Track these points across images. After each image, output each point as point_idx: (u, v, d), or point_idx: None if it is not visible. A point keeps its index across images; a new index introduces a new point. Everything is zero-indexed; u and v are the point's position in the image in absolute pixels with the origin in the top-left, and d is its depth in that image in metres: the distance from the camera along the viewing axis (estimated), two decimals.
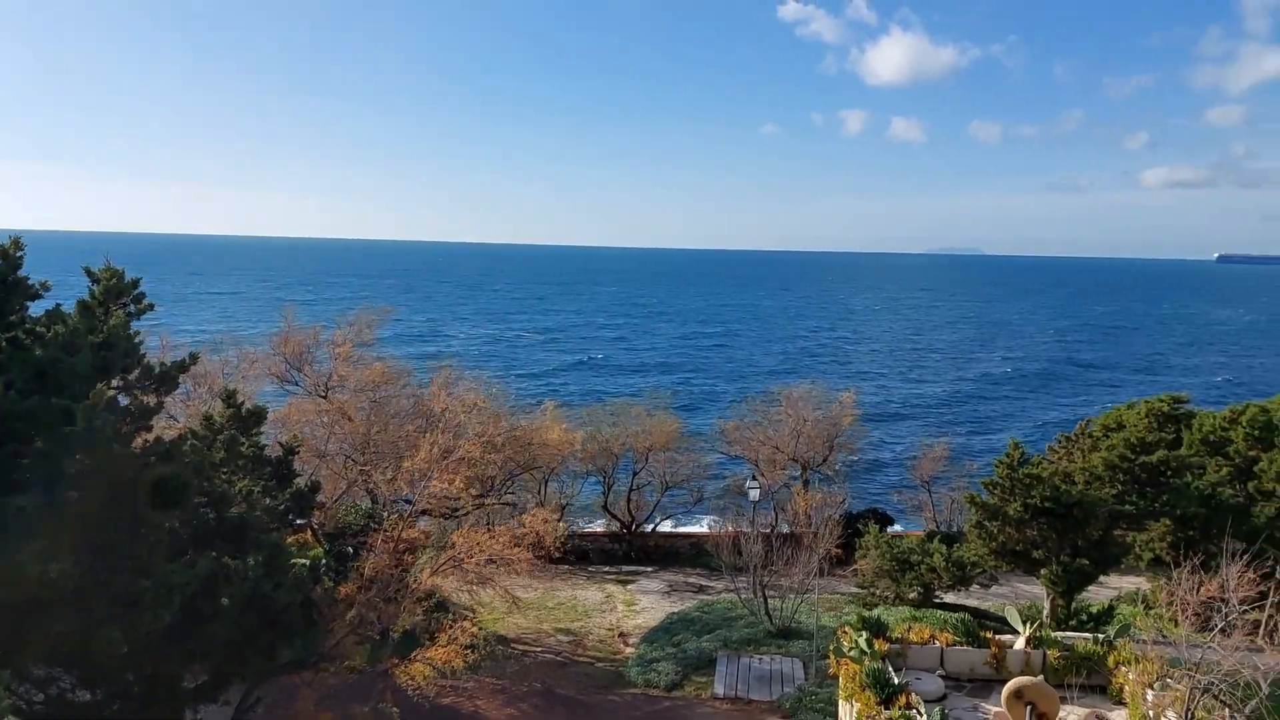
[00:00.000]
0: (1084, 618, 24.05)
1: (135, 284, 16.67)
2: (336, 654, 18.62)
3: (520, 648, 26.92)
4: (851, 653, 18.22)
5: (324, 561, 21.76)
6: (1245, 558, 14.60)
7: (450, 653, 18.46)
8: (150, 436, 15.69)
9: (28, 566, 11.55)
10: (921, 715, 15.53)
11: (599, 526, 39.15)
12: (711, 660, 25.67)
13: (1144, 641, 17.69)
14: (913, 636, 19.31)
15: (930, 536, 28.29)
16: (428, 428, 26.36)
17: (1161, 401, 27.51)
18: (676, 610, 30.05)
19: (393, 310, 49.53)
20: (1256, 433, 24.41)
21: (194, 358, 17.12)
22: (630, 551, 36.65)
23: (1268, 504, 23.90)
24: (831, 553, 28.33)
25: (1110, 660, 17.99)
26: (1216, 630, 13.17)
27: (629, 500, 37.55)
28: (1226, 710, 13.49)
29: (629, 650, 26.84)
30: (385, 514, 21.27)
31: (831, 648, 19.07)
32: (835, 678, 18.92)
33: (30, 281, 14.41)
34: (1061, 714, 16.40)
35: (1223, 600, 13.32)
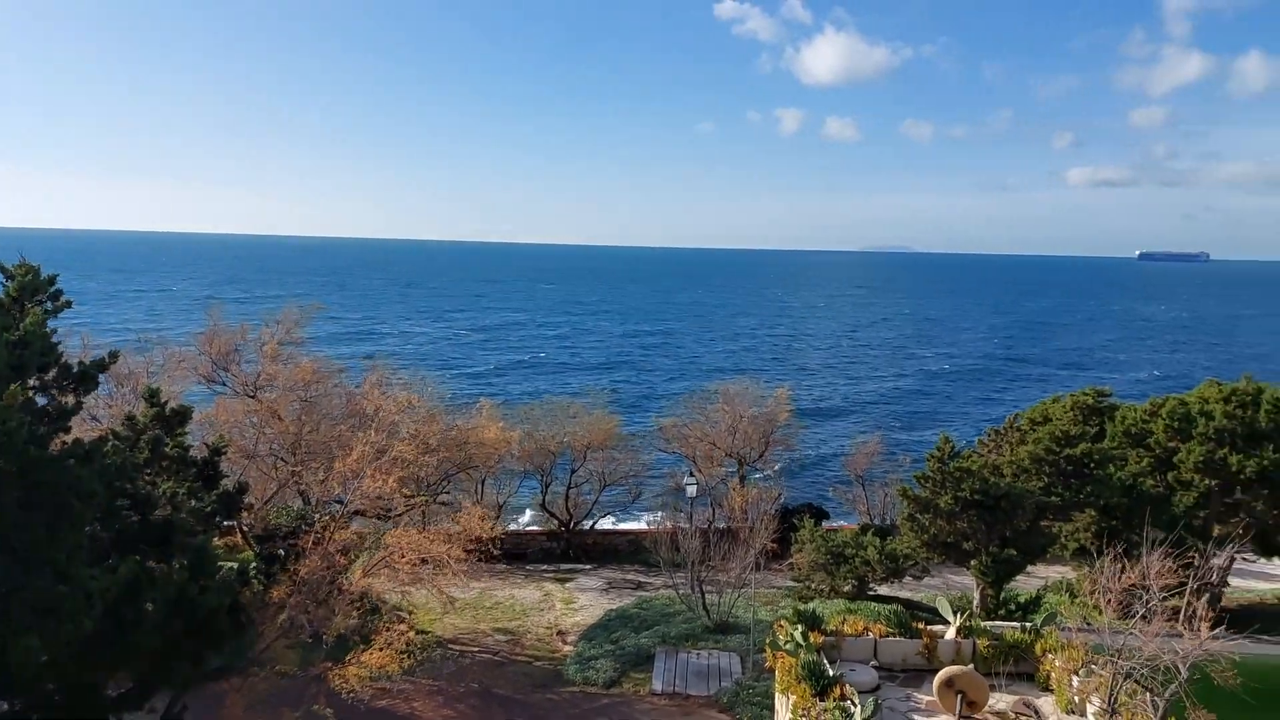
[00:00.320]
0: (1012, 607, 24.60)
1: (52, 281, 16.12)
2: (267, 658, 18.24)
3: (457, 648, 26.65)
4: (787, 646, 18.40)
5: (253, 564, 21.33)
6: (1165, 546, 15.06)
7: (386, 657, 18.18)
8: (69, 438, 15.17)
9: None
10: (856, 706, 15.72)
11: (537, 525, 38.97)
12: (650, 656, 25.71)
13: (1069, 629, 18.15)
14: (847, 629, 19.58)
15: (864, 530, 28.68)
16: (360, 427, 25.95)
17: (1086, 395, 28.27)
18: (615, 607, 30.03)
19: (323, 308, 48.70)
20: (1175, 425, 25.19)
21: (114, 356, 16.60)
22: (568, 550, 36.54)
23: (1186, 494, 24.69)
24: (768, 547, 28.56)
25: (1037, 648, 18.42)
26: (1138, 617, 13.56)
27: (567, 499, 37.43)
28: (1148, 695, 13.89)
29: (567, 648, 26.75)
30: (317, 515, 20.88)
31: (768, 641, 19.24)
32: (772, 671, 19.09)
33: None
34: (991, 701, 16.77)
35: (1144, 588, 13.73)
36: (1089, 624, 17.95)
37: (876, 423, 71.86)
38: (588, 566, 35.29)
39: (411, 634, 19.48)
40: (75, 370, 15.84)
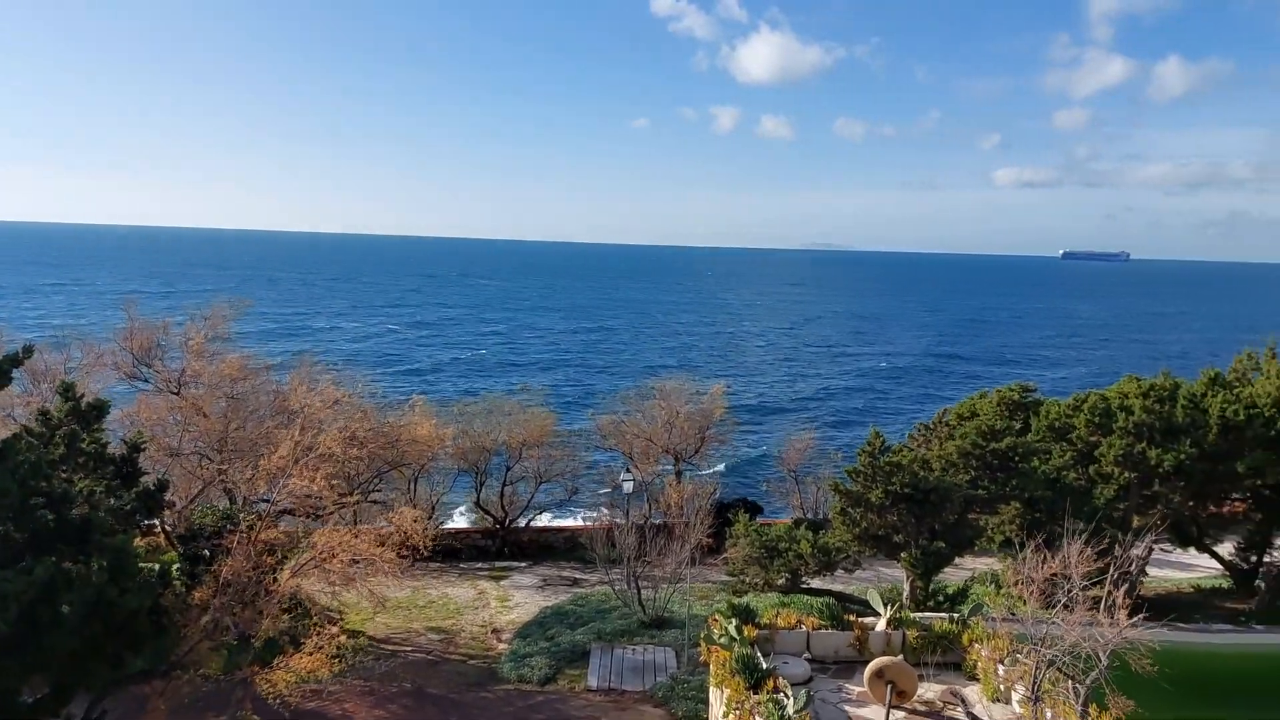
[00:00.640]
0: (941, 598, 25.07)
1: None
2: (190, 661, 17.76)
3: (390, 648, 26.28)
4: (721, 640, 18.50)
5: (176, 565, 20.76)
6: (1086, 537, 15.47)
7: (316, 661, 17.80)
8: None
9: None
10: (788, 698, 15.87)
11: (471, 523, 38.61)
12: (585, 653, 25.67)
13: (995, 619, 18.55)
14: (780, 622, 19.76)
15: (797, 524, 28.98)
16: (288, 424, 25.40)
17: (1012, 391, 28.93)
18: (550, 604, 29.91)
19: (250, 303, 47.55)
20: (1096, 419, 25.89)
21: (29, 351, 15.98)
22: (504, 547, 36.26)
23: (1107, 486, 25.40)
24: (703, 542, 28.70)
25: (965, 638, 18.80)
26: (1060, 606, 13.90)
27: (502, 496, 37.14)
28: (1070, 682, 14.24)
29: (502, 646, 26.56)
30: (243, 515, 20.37)
31: (703, 636, 19.33)
32: (707, 665, 19.19)
33: None
34: (920, 691, 17.07)
35: (1065, 577, 14.07)
36: (1014, 614, 18.37)
37: (812, 419, 72.76)
38: (523, 564, 35.09)
39: (342, 637, 19.13)
40: None
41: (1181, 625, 24.29)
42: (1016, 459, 25.11)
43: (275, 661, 17.62)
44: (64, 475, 16.30)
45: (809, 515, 36.49)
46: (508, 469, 37.21)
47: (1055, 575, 14.42)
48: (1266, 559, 28.69)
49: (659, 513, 35.07)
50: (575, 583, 32.88)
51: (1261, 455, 24.45)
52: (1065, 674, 14.25)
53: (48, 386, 27.38)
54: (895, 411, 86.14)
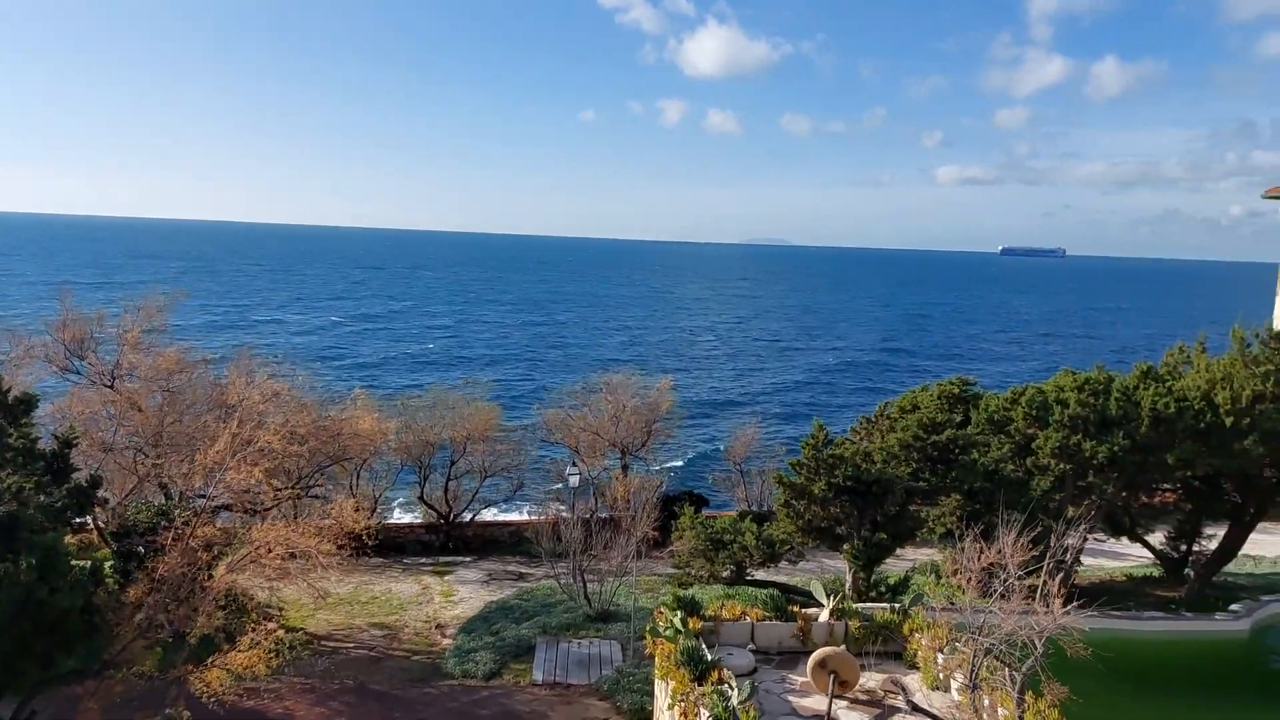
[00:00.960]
0: (883, 589, 25.41)
1: None
2: (123, 661, 17.35)
3: (331, 645, 25.94)
4: (667, 632, 18.55)
5: (109, 562, 20.26)
6: (1022, 527, 15.78)
7: (253, 657, 17.46)
8: None
9: None
10: (733, 689, 15.97)
11: (415, 518, 38.25)
12: (531, 647, 25.60)
13: (935, 609, 18.83)
14: (725, 614, 19.87)
15: (742, 516, 29.15)
16: (226, 418, 24.90)
17: (952, 384, 29.39)
18: (495, 599, 29.76)
19: (186, 294, 46.53)
20: (1034, 412, 26.40)
21: None
22: (448, 542, 35.97)
23: (1043, 478, 25.93)
24: (649, 535, 28.77)
25: (905, 628, 19.07)
26: (997, 595, 14.15)
27: (446, 490, 36.84)
28: (1007, 669, 14.51)
29: (446, 641, 26.36)
30: (179, 510, 19.94)
31: (648, 628, 19.36)
32: (652, 657, 19.23)
33: None
34: (861, 680, 17.28)
35: (1002, 567, 14.33)
36: (953, 603, 18.67)
37: (759, 413, 73.24)
38: (468, 559, 34.85)
39: (281, 632, 18.83)
40: None
41: (1114, 613, 24.91)
42: (956, 451, 25.53)
43: (210, 659, 17.27)
44: None
45: (754, 508, 36.74)
46: (452, 463, 36.92)
47: (993, 565, 14.69)
48: (1195, 548, 29.52)
49: (605, 506, 35.07)
50: (521, 577, 32.76)
51: (1191, 447, 25.12)
52: (1002, 661, 14.52)
53: None
54: (843, 405, 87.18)
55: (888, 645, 19.14)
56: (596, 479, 37.26)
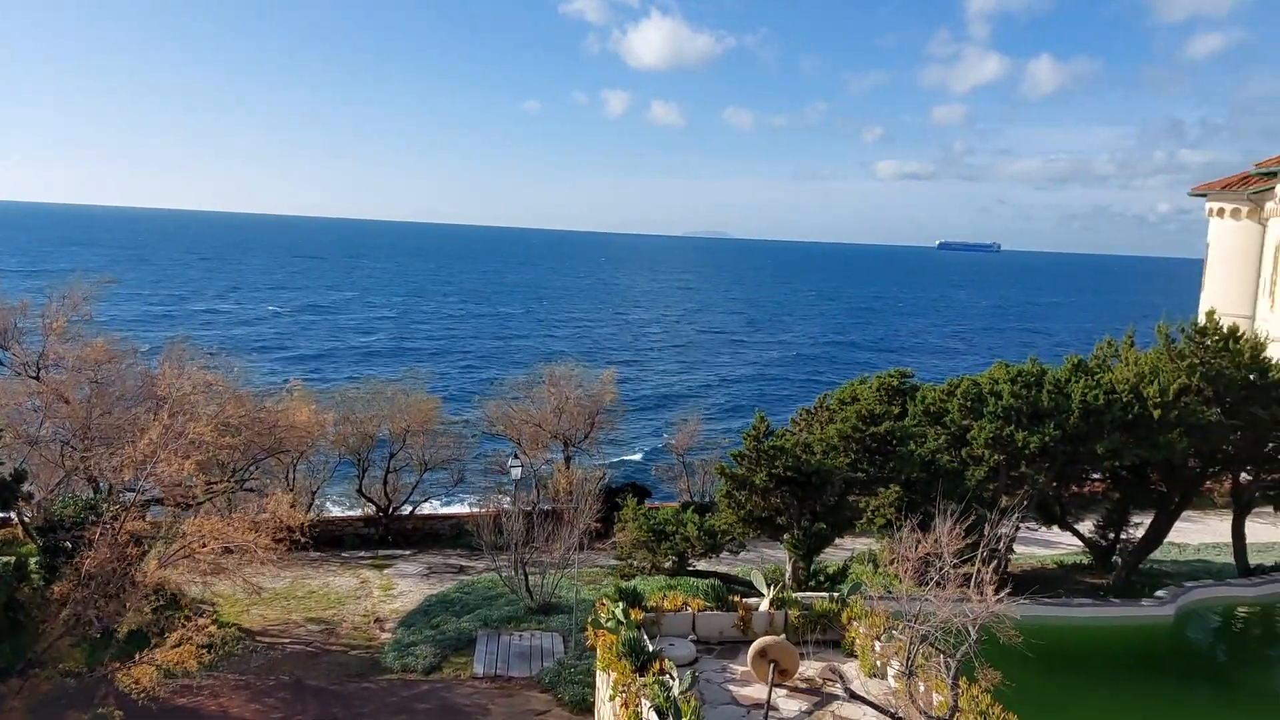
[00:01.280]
0: (822, 578, 25.69)
1: None
2: (49, 658, 16.88)
3: (267, 640, 25.49)
4: (608, 624, 18.54)
5: (34, 558, 19.65)
6: (957, 517, 16.05)
7: (184, 653, 17.09)
8: None
9: None
10: (674, 679, 16.01)
11: (354, 511, 37.71)
12: (471, 640, 25.44)
13: (872, 598, 19.07)
14: (667, 605, 19.91)
15: (685, 507, 29.25)
16: (157, 410, 24.29)
17: (890, 377, 29.81)
18: (436, 592, 29.50)
19: (116, 281, 45.24)
20: (969, 404, 26.91)
21: None
22: (387, 535, 35.52)
23: (978, 468, 26.45)
24: (591, 527, 28.74)
25: (844, 617, 19.31)
26: (932, 584, 14.37)
27: (385, 483, 36.37)
28: (942, 656, 14.74)
29: (385, 636, 26.06)
30: (107, 505, 19.40)
31: (590, 620, 19.33)
32: (594, 649, 19.21)
33: None
34: (801, 669, 17.45)
35: (937, 556, 14.55)
36: (890, 592, 18.95)
37: (703, 405, 73.62)
38: (407, 552, 34.47)
39: (213, 627, 18.44)
40: None
41: (1045, 599, 25.52)
42: (894, 442, 25.91)
43: (140, 655, 16.86)
44: None
45: (696, 499, 36.94)
46: (391, 455, 36.46)
47: (928, 554, 14.92)
48: (1123, 536, 30.35)
49: (547, 499, 34.96)
50: (461, 570, 32.51)
51: (1118, 438, 25.81)
52: (937, 649, 14.75)
53: None
54: (787, 397, 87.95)
55: (826, 634, 19.37)
56: (539, 471, 37.11)
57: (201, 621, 18.02)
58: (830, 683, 17.17)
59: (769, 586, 20.62)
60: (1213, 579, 28.78)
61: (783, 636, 18.23)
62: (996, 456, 26.31)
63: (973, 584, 14.09)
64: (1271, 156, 48.56)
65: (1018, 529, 26.91)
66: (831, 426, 27.15)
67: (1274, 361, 28.23)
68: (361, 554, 33.92)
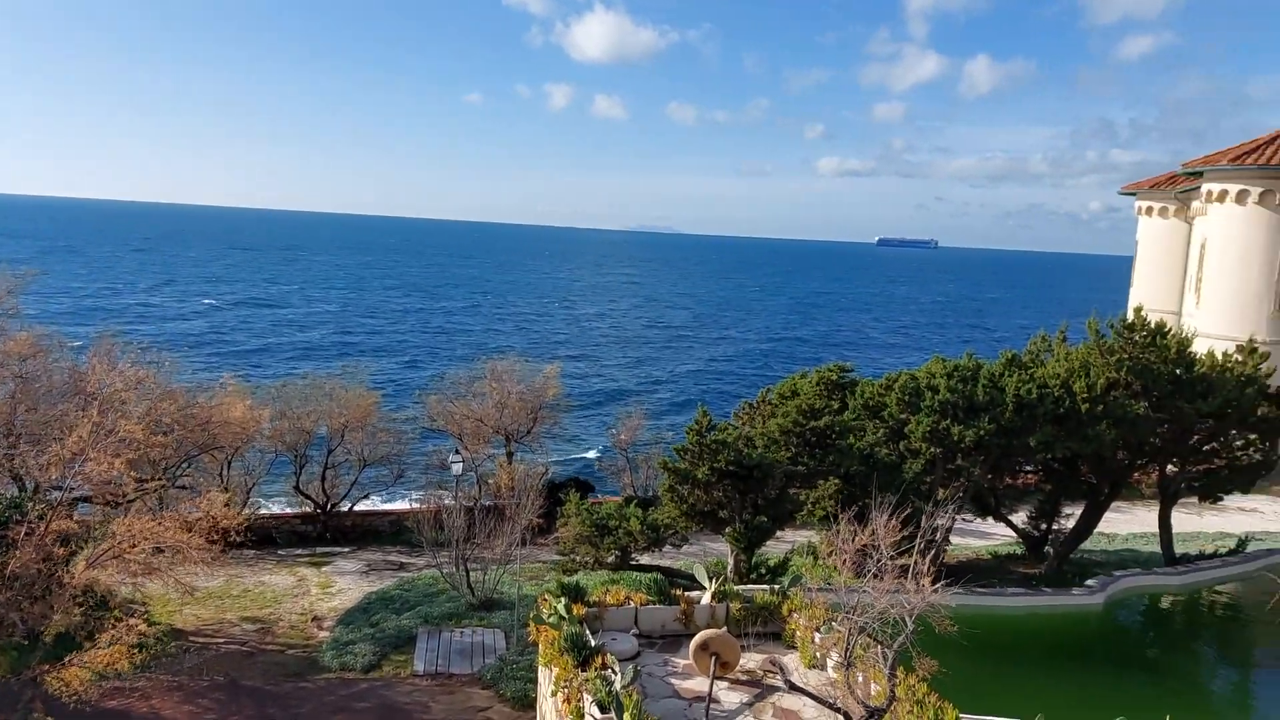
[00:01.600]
0: (763, 571, 25.92)
1: None
2: None
3: (200, 640, 24.97)
4: (550, 619, 18.49)
5: None
6: (895, 509, 16.28)
7: (114, 654, 16.67)
8: None
9: None
10: (616, 674, 16.02)
11: (290, 508, 37.08)
12: (412, 638, 25.19)
13: (812, 590, 19.30)
14: (609, 599, 19.92)
15: (628, 501, 29.31)
16: (86, 406, 23.60)
17: (830, 371, 30.15)
18: (375, 590, 29.14)
19: (42, 273, 43.84)
20: (906, 398, 27.31)
21: None
22: (325, 533, 34.97)
23: (915, 461, 26.88)
24: (534, 523, 28.62)
25: (784, 609, 19.49)
26: (870, 575, 14.56)
27: (323, 479, 35.79)
28: (879, 647, 14.95)
29: (323, 634, 25.68)
30: (32, 504, 18.81)
31: (532, 616, 19.26)
32: (536, 645, 19.14)
33: None
34: (742, 660, 17.59)
35: (875, 547, 14.75)
36: (829, 584, 19.18)
37: (647, 400, 73.76)
38: (346, 549, 33.99)
39: (145, 628, 17.98)
40: None
41: (979, 589, 26.02)
42: (834, 436, 26.22)
43: (69, 658, 16.39)
44: None
45: (640, 493, 36.99)
46: (329, 451, 35.90)
47: (866, 546, 15.10)
48: (1055, 527, 31.09)
49: (489, 494, 34.74)
50: (402, 567, 32.16)
51: (1050, 430, 26.41)
52: (875, 639, 14.94)
53: None
54: (732, 393, 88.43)
55: (767, 626, 19.54)
56: (480, 467, 36.85)
57: (133, 622, 17.58)
58: (771, 674, 17.33)
59: (711, 580, 20.74)
60: (1140, 568, 29.58)
61: (724, 629, 18.34)
62: (933, 450, 26.75)
63: (910, 575, 14.30)
64: (1198, 157, 50.07)
65: (954, 520, 27.48)
66: (773, 421, 27.38)
67: (1199, 357, 29.11)
68: (299, 552, 33.37)
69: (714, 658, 16.93)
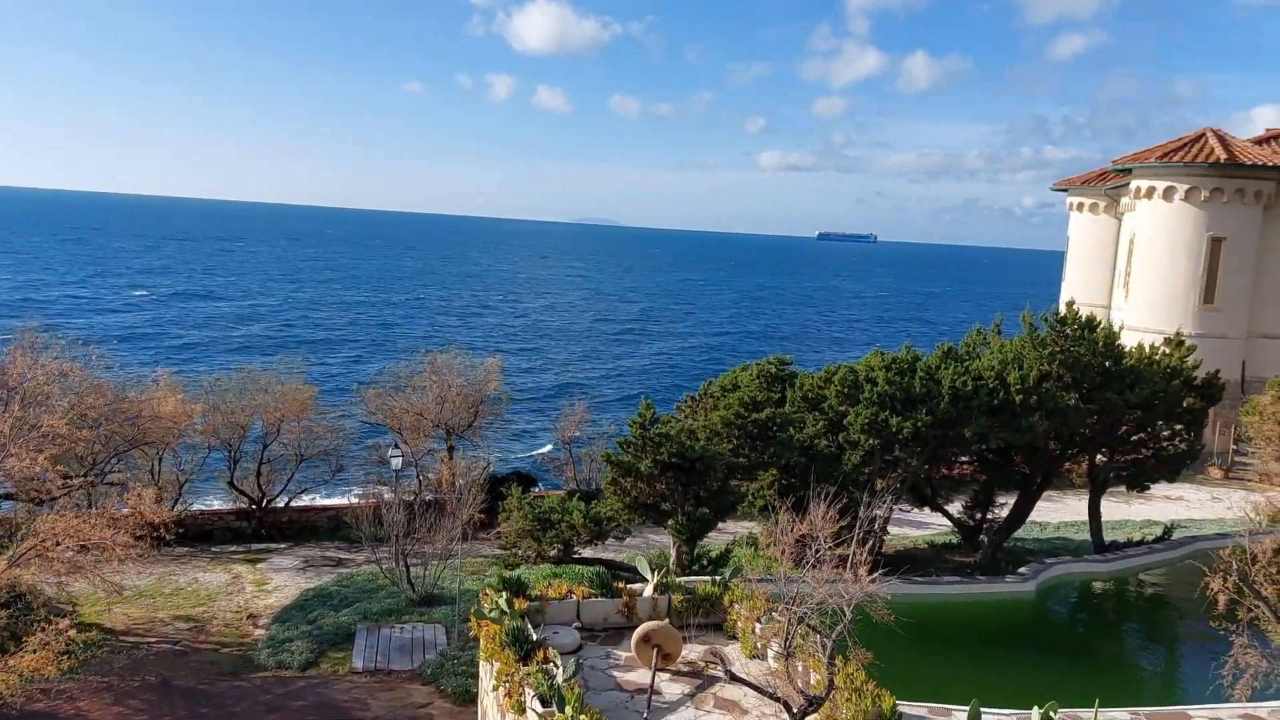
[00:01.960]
0: (705, 562, 26.03)
1: None
2: None
3: (131, 640, 24.34)
4: (492, 614, 18.37)
5: None
6: (833, 499, 16.45)
7: (41, 659, 16.16)
8: None
9: None
10: (558, 668, 15.98)
11: (225, 504, 36.31)
12: (350, 634, 24.85)
13: (753, 580, 19.44)
14: (551, 593, 19.86)
15: (570, 495, 29.20)
16: (7, 400, 22.83)
17: (770, 364, 30.34)
18: (313, 586, 28.69)
19: None
20: (845, 390, 27.60)
21: None
22: (261, 529, 34.30)
23: (854, 452, 27.19)
24: (475, 517, 28.41)
25: (726, 600, 19.61)
26: (809, 565, 14.70)
27: (259, 475, 35.08)
28: (818, 636, 15.10)
29: (259, 632, 25.22)
30: None
31: (473, 611, 19.13)
32: (477, 640, 19.02)
33: None
34: (684, 652, 17.66)
35: (814, 538, 14.89)
36: (770, 574, 19.30)
37: (591, 393, 73.67)
38: (283, 545, 33.40)
39: (72, 631, 17.45)
40: None
41: (916, 578, 26.40)
42: (774, 428, 26.39)
43: None
44: None
45: (582, 486, 36.92)
46: (265, 446, 35.19)
47: (805, 536, 15.23)
48: (989, 516, 31.71)
49: (430, 489, 34.40)
50: (340, 563, 31.72)
51: (985, 422, 26.89)
52: (814, 629, 15.08)
53: None
54: (680, 387, 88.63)
55: (709, 617, 19.64)
56: (420, 460, 36.46)
57: (62, 625, 17.05)
58: (712, 665, 17.39)
59: (653, 572, 20.77)
60: (1071, 555, 30.27)
61: (666, 621, 18.40)
62: (871, 441, 27.08)
63: (848, 565, 14.46)
64: (1127, 154, 51.38)
65: (892, 511, 27.97)
66: (715, 413, 27.47)
67: (1128, 349, 29.87)
68: (233, 548, 32.70)
69: (656, 649, 16.97)
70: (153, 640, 24.44)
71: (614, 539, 28.38)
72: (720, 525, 28.19)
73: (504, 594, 18.97)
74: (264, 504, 35.04)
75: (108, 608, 25.81)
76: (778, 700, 14.32)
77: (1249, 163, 46.38)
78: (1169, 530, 33.00)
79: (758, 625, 18.11)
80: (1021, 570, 27.99)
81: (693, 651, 18.06)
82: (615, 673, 17.55)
